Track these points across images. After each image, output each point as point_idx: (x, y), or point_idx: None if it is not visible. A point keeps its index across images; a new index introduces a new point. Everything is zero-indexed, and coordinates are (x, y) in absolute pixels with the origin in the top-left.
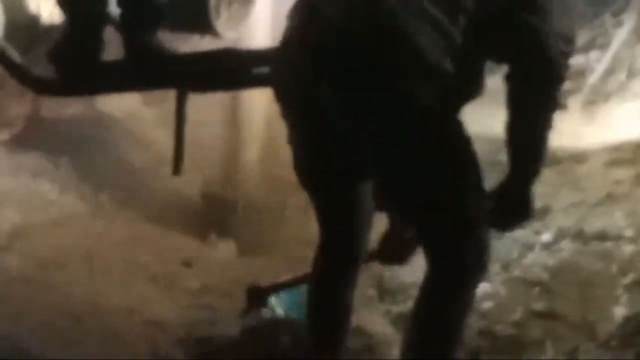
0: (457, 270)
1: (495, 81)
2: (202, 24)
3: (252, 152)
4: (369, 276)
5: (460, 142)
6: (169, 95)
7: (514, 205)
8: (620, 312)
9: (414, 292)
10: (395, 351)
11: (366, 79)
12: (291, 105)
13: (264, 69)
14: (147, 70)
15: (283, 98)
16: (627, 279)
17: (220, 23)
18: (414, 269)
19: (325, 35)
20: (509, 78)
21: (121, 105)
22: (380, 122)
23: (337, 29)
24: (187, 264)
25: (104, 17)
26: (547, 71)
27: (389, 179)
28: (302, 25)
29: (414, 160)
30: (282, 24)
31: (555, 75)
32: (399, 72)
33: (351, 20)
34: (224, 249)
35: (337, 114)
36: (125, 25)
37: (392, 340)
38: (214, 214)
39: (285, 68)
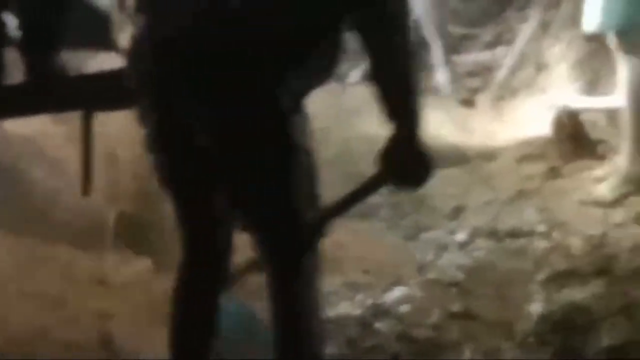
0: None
1: None
2: (105, 41)
3: None
4: None
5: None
6: (77, 114)
7: (413, 159)
8: (536, 309)
9: None
10: None
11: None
12: (144, 107)
13: None
14: (51, 92)
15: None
16: (542, 275)
17: (124, 39)
18: None
19: (172, 33)
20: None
21: (29, 124)
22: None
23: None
24: (102, 282)
25: (4, 40)
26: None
27: (230, 186)
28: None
29: (254, 170)
30: None
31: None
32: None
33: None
34: (140, 266)
35: (185, 115)
36: (27, 48)
37: None
38: (129, 232)
39: (137, 70)
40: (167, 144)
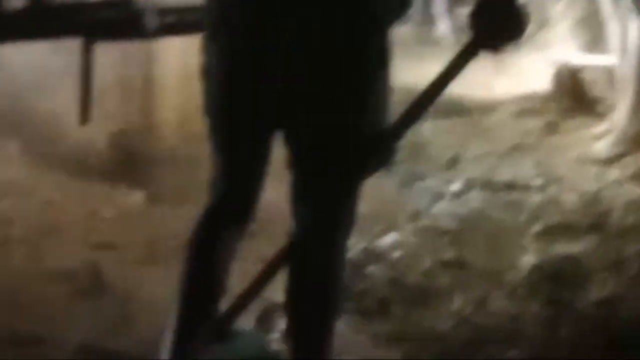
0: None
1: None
2: None
3: (164, 102)
4: None
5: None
6: (77, 44)
7: (506, 13)
8: (527, 260)
9: None
10: None
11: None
12: (223, 34)
13: (171, 18)
14: (52, 19)
15: (215, 26)
16: (535, 228)
17: None
18: None
19: None
20: None
21: (27, 54)
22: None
23: None
24: (95, 215)
25: None
26: None
27: (303, 132)
28: None
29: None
30: None
31: None
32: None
33: None
34: (134, 199)
35: (279, 55)
36: None
37: None
38: (124, 164)
39: None
40: (236, 73)
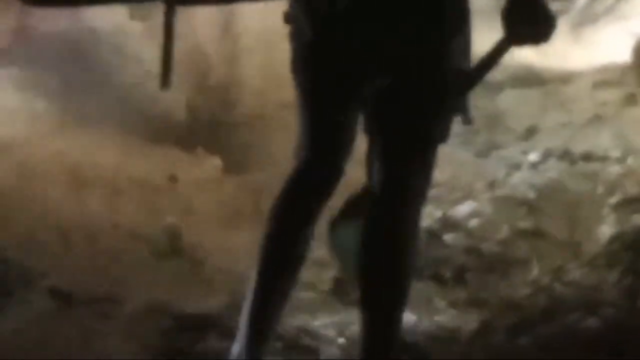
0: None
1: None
2: None
3: (244, 70)
4: None
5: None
6: (158, 9)
7: (535, 13)
8: (605, 231)
9: None
10: None
11: None
12: None
13: None
14: None
15: None
16: (613, 199)
17: None
18: None
19: None
20: None
21: (109, 19)
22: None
23: None
24: (173, 179)
25: None
26: None
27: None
28: None
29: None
30: None
31: None
32: None
33: None
34: (210, 164)
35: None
36: None
37: None
38: (202, 129)
39: None
40: (322, 32)
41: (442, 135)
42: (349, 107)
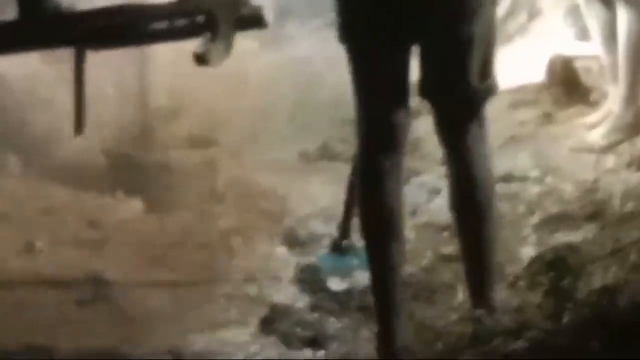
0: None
1: None
2: None
3: (158, 110)
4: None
5: None
6: (69, 53)
7: None
8: (527, 252)
9: (326, 242)
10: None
11: None
12: None
13: (163, 24)
14: (43, 29)
15: None
16: (534, 219)
17: None
18: (326, 221)
19: None
20: None
21: (20, 65)
22: None
23: None
24: (94, 223)
25: None
26: None
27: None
28: None
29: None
30: None
31: None
32: None
33: None
34: (132, 206)
35: None
36: None
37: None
38: (120, 173)
39: None
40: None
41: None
42: (401, 59)
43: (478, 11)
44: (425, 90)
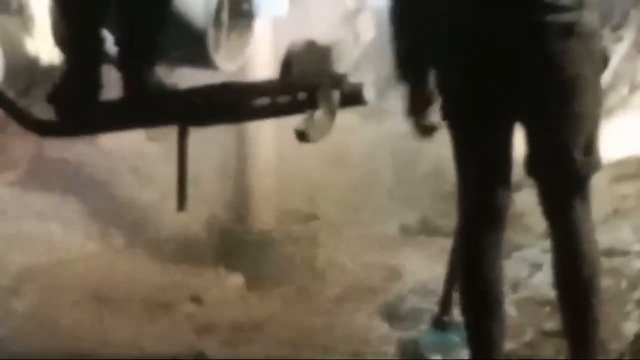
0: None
1: None
2: (202, 58)
3: (259, 185)
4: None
5: None
6: (173, 131)
7: None
8: (631, 328)
9: (426, 317)
10: None
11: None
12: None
13: (264, 102)
14: (147, 107)
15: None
16: (637, 294)
17: (220, 56)
18: (426, 296)
19: None
20: None
21: (125, 142)
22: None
23: None
24: (197, 300)
25: (102, 56)
26: None
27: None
28: None
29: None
30: (281, 54)
31: None
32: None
33: None
34: (233, 283)
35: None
36: (124, 64)
37: None
38: (222, 248)
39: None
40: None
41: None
42: (504, 136)
43: (585, 88)
44: (531, 167)
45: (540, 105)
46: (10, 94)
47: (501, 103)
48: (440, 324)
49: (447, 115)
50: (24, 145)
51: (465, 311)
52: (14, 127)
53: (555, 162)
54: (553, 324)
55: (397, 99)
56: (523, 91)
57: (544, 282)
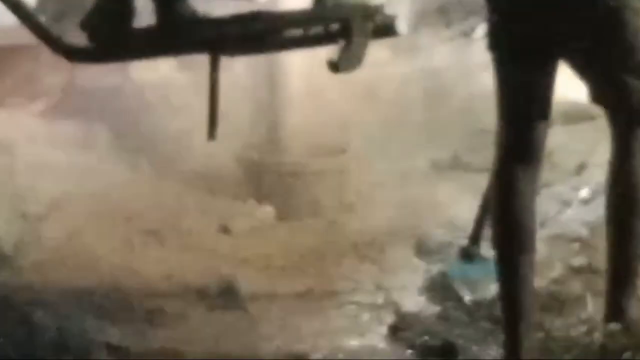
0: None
1: None
2: None
3: (289, 116)
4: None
5: None
6: (203, 60)
7: None
8: None
9: (453, 252)
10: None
11: None
12: None
13: (298, 31)
14: (179, 35)
15: None
16: None
17: None
18: (455, 230)
19: None
20: None
21: (155, 71)
22: None
23: None
24: (226, 229)
25: None
26: None
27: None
28: None
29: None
30: None
31: None
32: None
33: None
34: (262, 213)
35: None
36: None
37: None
38: (252, 179)
39: None
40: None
41: None
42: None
43: (630, 19)
44: (595, 97)
45: (588, 37)
46: (43, 19)
47: (548, 35)
48: (468, 255)
49: (494, 45)
50: (56, 74)
51: (496, 244)
52: (46, 56)
53: (613, 90)
54: (581, 260)
55: (428, 35)
56: (570, 23)
57: (572, 219)
